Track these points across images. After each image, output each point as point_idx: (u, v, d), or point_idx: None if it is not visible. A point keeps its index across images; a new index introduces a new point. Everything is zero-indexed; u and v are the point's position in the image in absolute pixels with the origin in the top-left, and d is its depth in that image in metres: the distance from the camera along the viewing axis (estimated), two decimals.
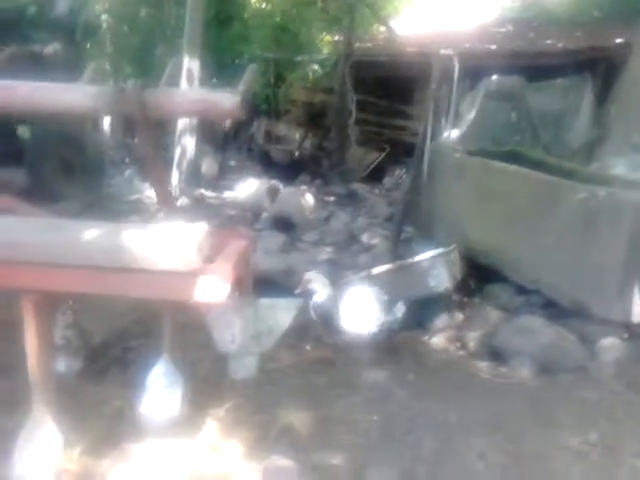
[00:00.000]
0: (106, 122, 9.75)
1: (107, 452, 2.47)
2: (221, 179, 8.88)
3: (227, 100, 2.16)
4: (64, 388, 2.54)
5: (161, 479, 2.44)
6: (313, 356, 3.50)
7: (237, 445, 2.61)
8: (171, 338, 2.78)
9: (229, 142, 11.47)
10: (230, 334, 3.12)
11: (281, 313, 3.29)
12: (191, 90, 6.15)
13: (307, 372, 3.29)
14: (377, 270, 4.16)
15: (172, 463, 2.49)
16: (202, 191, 7.83)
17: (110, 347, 3.37)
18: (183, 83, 7.30)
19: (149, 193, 7.80)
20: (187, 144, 7.60)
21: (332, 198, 8.33)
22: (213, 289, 2.13)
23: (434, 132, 5.52)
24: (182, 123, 7.53)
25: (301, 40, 12.57)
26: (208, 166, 8.64)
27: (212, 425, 2.73)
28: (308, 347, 3.61)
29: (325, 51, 13.29)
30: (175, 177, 7.69)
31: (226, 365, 3.10)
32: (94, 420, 2.67)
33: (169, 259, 2.10)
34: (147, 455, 2.51)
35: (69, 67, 6.08)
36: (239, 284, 2.94)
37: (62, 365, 3.10)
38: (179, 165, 7.66)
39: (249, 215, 6.84)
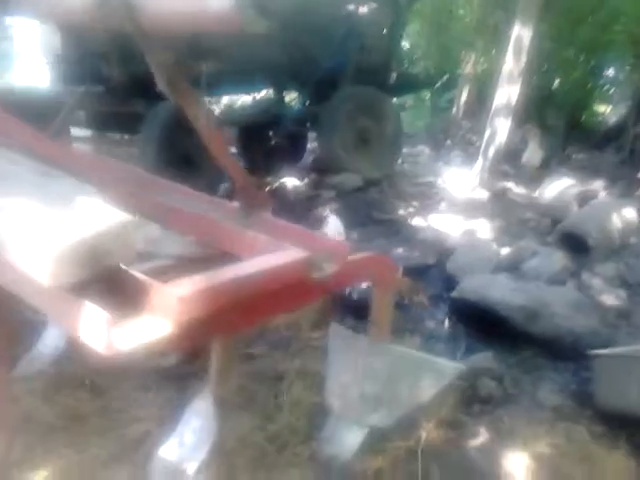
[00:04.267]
0: None
1: None
2: (546, 172, 7.39)
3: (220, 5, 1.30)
4: None
5: None
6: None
7: None
8: (221, 371, 2.04)
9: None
10: (346, 386, 2.24)
11: (431, 376, 2.24)
12: None
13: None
14: None
15: None
16: (507, 185, 6.60)
17: None
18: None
19: (447, 176, 6.99)
20: (499, 126, 6.40)
21: None
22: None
23: None
24: (498, 101, 6.36)
25: None
26: (531, 154, 7.26)
27: None
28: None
29: None
30: (478, 165, 6.62)
31: (314, 429, 2.23)
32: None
33: None
34: None
35: None
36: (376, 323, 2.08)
37: None
38: (485, 151, 6.55)
39: (547, 222, 5.44)
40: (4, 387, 1.83)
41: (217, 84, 6.21)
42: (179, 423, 2.11)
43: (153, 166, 5.57)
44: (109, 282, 1.29)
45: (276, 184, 6.06)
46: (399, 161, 7.26)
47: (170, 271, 1.53)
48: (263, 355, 2.80)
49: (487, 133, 6.54)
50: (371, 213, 5.53)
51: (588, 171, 7.65)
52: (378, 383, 2.23)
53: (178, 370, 2.59)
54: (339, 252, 1.78)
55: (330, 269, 1.74)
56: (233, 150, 8.35)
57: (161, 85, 1.52)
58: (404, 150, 9.69)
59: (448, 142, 10.55)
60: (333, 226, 3.67)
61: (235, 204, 1.97)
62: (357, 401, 2.21)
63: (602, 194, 5.78)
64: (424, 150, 10.02)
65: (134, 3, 1.39)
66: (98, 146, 6.82)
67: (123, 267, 1.35)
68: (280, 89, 6.99)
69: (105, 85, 5.55)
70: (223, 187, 6.26)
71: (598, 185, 7.33)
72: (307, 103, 6.91)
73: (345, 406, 2.24)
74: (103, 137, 6.73)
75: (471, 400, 2.75)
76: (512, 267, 4.23)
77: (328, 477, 2.09)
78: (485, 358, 3.06)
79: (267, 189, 5.99)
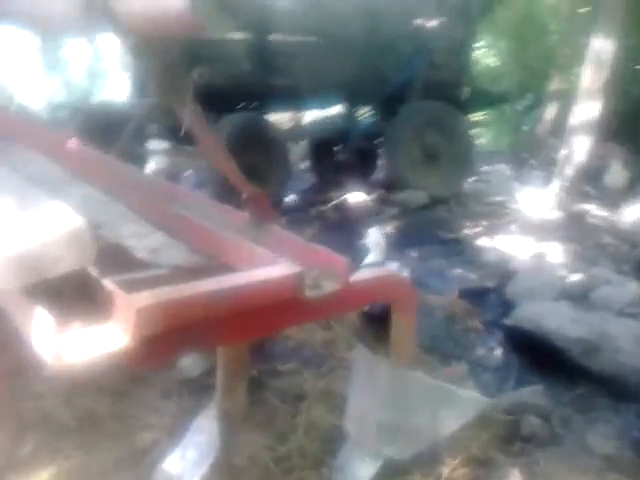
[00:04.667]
0: None
1: None
2: (631, 193, 6.86)
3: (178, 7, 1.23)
4: None
5: None
6: None
7: None
8: (227, 385, 1.96)
9: None
10: (364, 413, 2.11)
11: (454, 409, 2.07)
12: None
13: None
14: None
15: None
16: (586, 207, 6.17)
17: None
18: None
19: (523, 196, 6.65)
20: (579, 143, 6.00)
21: None
22: None
23: None
24: (575, 118, 5.97)
25: None
26: (614, 174, 6.78)
27: None
28: None
29: None
30: (555, 185, 6.24)
31: (326, 455, 2.10)
32: None
33: None
34: None
35: None
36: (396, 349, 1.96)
37: None
38: (562, 170, 6.16)
39: (627, 249, 5.02)
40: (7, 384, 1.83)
41: (290, 98, 6.26)
42: (184, 436, 2.06)
43: (218, 179, 5.66)
44: (73, 290, 1.24)
45: (339, 199, 5.98)
46: (470, 179, 6.99)
47: (161, 281, 1.46)
48: (292, 372, 2.70)
49: (564, 151, 6.16)
50: (435, 232, 5.33)
51: None
52: (398, 412, 2.07)
53: (202, 381, 2.55)
54: (341, 270, 1.66)
55: (330, 288, 1.62)
56: (306, 164, 8.38)
57: (154, 87, 1.48)
58: (482, 168, 9.38)
59: (531, 161, 10.10)
60: (374, 238, 3.53)
61: (246, 215, 1.89)
62: (374, 430, 2.06)
63: None
64: (504, 169, 9.64)
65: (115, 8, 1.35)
66: (172, 158, 7.04)
67: (93, 275, 1.30)
68: (351, 104, 6.94)
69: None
70: (285, 202, 6.29)
71: None
72: (377, 119, 6.82)
73: (361, 434, 2.09)
74: (179, 149, 6.92)
75: (511, 438, 2.51)
76: (579, 295, 3.91)
77: None
78: (534, 392, 2.80)
79: (318, 210, 5.94)
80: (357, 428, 2.11)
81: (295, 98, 6.31)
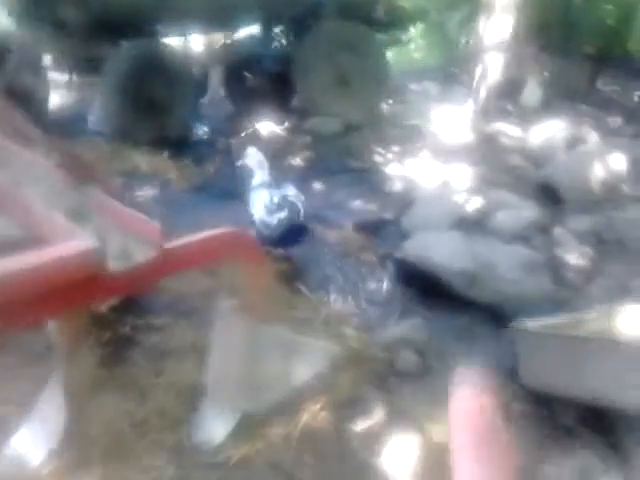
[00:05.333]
0: None
1: None
2: (544, 111, 6.82)
3: None
4: None
5: None
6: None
7: None
8: (64, 356, 1.90)
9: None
10: (222, 368, 2.09)
11: (306, 359, 2.08)
12: None
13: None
14: None
15: None
16: (500, 127, 6.15)
17: None
18: None
19: (440, 117, 6.57)
20: (493, 60, 5.89)
21: None
22: None
23: None
24: (491, 33, 5.79)
25: None
26: (530, 91, 6.71)
27: None
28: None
29: None
30: (470, 105, 6.18)
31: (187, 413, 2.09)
32: None
33: None
34: None
35: None
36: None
37: None
38: (476, 90, 6.09)
39: (533, 169, 5.06)
40: None
41: (196, 20, 5.88)
42: (33, 409, 2.00)
43: (116, 112, 5.37)
44: None
45: (249, 130, 5.78)
46: (389, 101, 6.86)
47: None
48: (165, 326, 2.64)
49: (478, 69, 6.06)
50: (344, 160, 5.24)
51: (612, 107, 7.09)
52: (252, 367, 2.06)
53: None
54: (154, 237, 1.57)
55: (143, 258, 1.54)
56: (222, 93, 8.03)
57: None
58: (410, 86, 9.18)
59: (461, 78, 9.94)
60: (255, 158, 3.39)
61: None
62: (231, 385, 2.06)
63: (594, 137, 5.30)
64: (431, 87, 9.47)
65: None
66: (76, 92, 6.62)
67: None
68: (262, 25, 6.59)
69: (62, 28, 5.27)
70: (196, 134, 6.04)
71: (614, 123, 6.82)
72: (289, 41, 6.52)
73: (219, 390, 2.08)
74: (82, 81, 6.49)
75: (385, 375, 2.57)
76: (477, 222, 3.95)
77: (190, 466, 1.96)
78: (413, 326, 2.85)
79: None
80: (215, 384, 2.09)
81: (201, 19, 5.93)
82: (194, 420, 2.06)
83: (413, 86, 9.37)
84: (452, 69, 10.51)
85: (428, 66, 12.19)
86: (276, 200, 3.09)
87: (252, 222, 3.19)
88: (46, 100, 5.92)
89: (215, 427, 2.03)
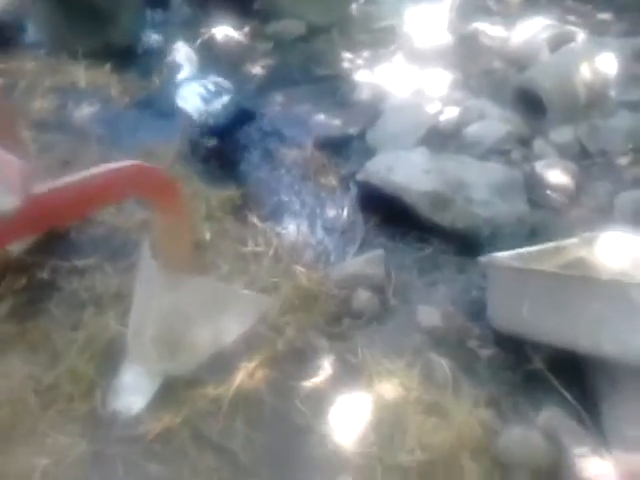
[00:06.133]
0: None
1: None
2: (530, 7, 6.24)
3: None
4: None
5: None
6: None
7: None
8: None
9: None
10: (142, 326, 1.80)
11: (237, 313, 1.79)
12: None
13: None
14: None
15: None
16: (480, 26, 5.61)
17: None
18: None
19: (415, 17, 5.99)
20: None
21: None
22: None
23: None
24: None
25: None
26: None
27: None
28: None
29: None
30: (448, 2, 5.59)
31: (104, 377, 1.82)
32: None
33: None
34: None
35: None
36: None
37: None
38: None
39: (513, 73, 4.62)
40: None
41: None
42: None
43: (52, 19, 4.78)
44: None
45: (205, 36, 5.21)
46: (356, 2, 6.22)
47: None
48: (90, 269, 2.32)
49: None
50: (308, 68, 4.75)
51: (601, 2, 6.50)
52: (176, 322, 1.76)
53: None
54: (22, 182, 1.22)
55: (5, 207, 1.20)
56: None
57: None
58: None
59: None
60: (183, 53, 3.08)
61: None
62: (151, 344, 1.77)
63: (581, 36, 4.83)
64: None
65: None
66: None
67: None
68: None
69: None
70: (145, 43, 5.46)
71: (604, 18, 6.29)
72: None
73: (139, 349, 1.80)
74: None
75: (339, 316, 2.29)
76: (450, 135, 3.57)
77: (104, 440, 1.70)
78: (372, 260, 2.54)
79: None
80: (135, 342, 1.81)
81: None
82: (110, 385, 1.79)
83: None
84: None
85: None
86: (212, 88, 2.78)
87: (187, 119, 2.89)
88: None
89: (134, 393, 1.76)
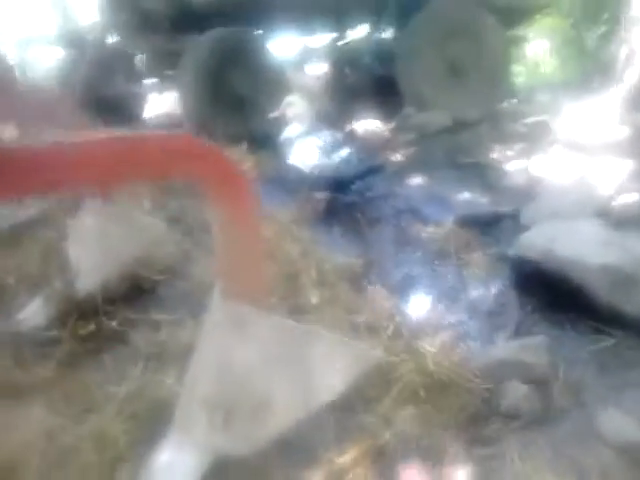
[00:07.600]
0: None
1: None
2: None
3: None
4: None
5: None
6: None
7: None
8: None
9: None
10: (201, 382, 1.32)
11: (332, 364, 1.25)
12: None
13: None
14: None
15: None
16: None
17: None
18: None
19: (575, 112, 5.44)
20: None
21: None
22: None
23: None
24: None
25: None
26: None
27: None
28: None
29: None
30: (616, 95, 5.02)
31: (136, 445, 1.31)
32: None
33: None
34: None
35: None
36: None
37: None
38: (621, 75, 4.92)
39: None
40: None
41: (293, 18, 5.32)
42: None
43: (196, 108, 4.85)
44: None
45: (347, 129, 5.03)
46: (508, 101, 5.83)
47: None
48: (172, 324, 1.89)
49: (623, 50, 4.92)
50: (452, 156, 4.32)
51: None
52: (241, 379, 1.24)
53: None
54: None
55: None
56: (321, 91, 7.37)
57: None
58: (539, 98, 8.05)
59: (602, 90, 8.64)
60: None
61: None
62: (203, 409, 1.24)
63: None
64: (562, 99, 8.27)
65: None
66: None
67: None
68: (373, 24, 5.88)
69: (147, 19, 4.90)
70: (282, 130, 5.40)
71: None
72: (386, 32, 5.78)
73: (185, 417, 1.28)
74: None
75: (481, 415, 1.62)
76: (625, 214, 2.86)
77: None
78: (529, 347, 1.87)
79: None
80: (186, 407, 1.29)
81: (299, 19, 5.34)
82: (143, 460, 1.26)
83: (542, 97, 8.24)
84: (590, 84, 9.23)
85: (561, 81, 10.95)
86: (329, 140, 2.43)
87: (303, 175, 2.53)
88: (142, 106, 5.63)
89: (171, 476, 1.21)
